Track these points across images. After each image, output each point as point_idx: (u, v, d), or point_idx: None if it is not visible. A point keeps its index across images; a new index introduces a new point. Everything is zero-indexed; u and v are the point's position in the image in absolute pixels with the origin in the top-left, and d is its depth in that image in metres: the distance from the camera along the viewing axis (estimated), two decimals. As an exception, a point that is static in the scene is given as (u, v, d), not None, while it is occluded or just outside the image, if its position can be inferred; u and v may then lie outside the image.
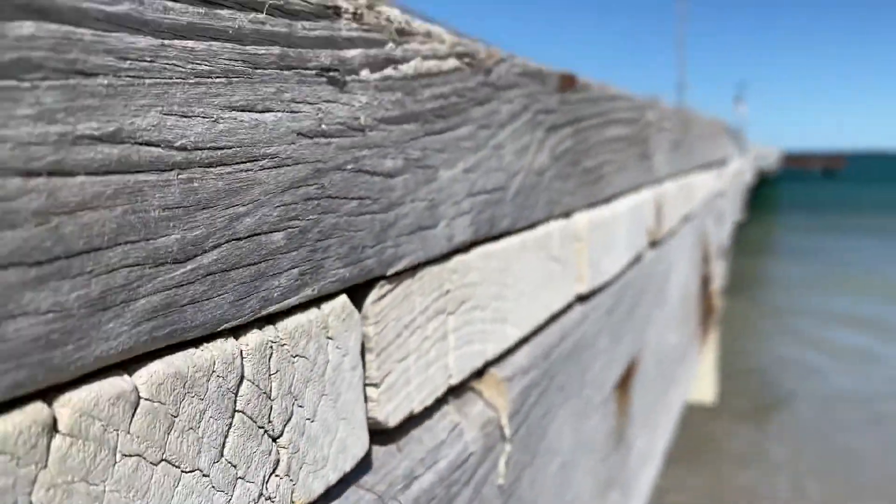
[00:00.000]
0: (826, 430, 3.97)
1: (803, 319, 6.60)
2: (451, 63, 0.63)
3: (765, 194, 17.02)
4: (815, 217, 15.29)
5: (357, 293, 0.52)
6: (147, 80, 0.33)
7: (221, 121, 0.38)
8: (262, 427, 0.41)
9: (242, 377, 0.39)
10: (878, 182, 33.75)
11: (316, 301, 0.46)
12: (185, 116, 0.35)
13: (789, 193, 21.99)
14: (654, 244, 1.49)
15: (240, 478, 0.39)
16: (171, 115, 0.34)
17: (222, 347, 0.38)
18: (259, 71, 0.40)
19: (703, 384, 3.72)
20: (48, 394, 0.29)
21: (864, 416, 4.15)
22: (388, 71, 0.53)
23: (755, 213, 12.60)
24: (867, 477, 3.42)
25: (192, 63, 0.35)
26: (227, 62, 0.38)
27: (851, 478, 3.40)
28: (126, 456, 0.32)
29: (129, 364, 0.33)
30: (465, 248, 0.66)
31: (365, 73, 0.50)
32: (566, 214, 0.95)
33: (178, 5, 0.34)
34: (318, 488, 0.46)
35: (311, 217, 0.44)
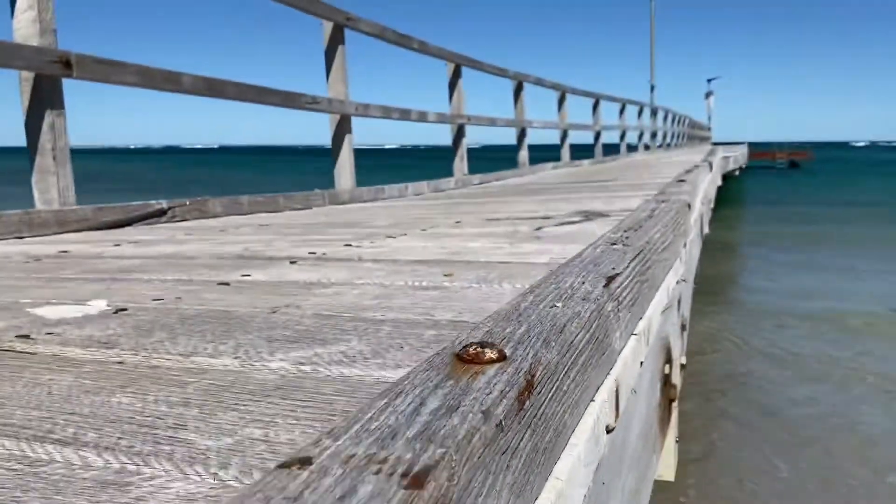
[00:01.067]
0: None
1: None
2: None
3: (729, 190, 16.68)
4: (785, 223, 14.19)
5: None
6: None
7: None
8: None
9: None
10: (847, 175, 33.79)
11: None
12: None
13: (754, 190, 21.89)
14: (610, 430, 1.45)
15: None
16: None
17: None
18: None
19: (663, 462, 3.72)
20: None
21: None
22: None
23: (717, 215, 12.20)
24: None
25: None
26: None
27: None
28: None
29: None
30: None
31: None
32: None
33: None
34: None
35: None
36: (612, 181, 5.81)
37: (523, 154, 9.09)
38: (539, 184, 6.42)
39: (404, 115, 5.81)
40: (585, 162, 11.58)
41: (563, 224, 2.31)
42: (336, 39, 4.81)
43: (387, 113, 5.46)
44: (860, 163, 55.90)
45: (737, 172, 15.19)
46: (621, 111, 14.45)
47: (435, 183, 6.14)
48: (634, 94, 66.90)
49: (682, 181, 2.79)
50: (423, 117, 6.19)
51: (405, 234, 2.18)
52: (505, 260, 1.54)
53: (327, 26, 4.77)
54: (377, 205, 4.36)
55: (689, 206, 1.78)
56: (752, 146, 40.06)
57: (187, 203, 3.36)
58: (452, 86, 6.99)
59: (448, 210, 3.38)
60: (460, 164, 7.04)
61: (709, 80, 35.78)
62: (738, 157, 14.39)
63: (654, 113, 18.18)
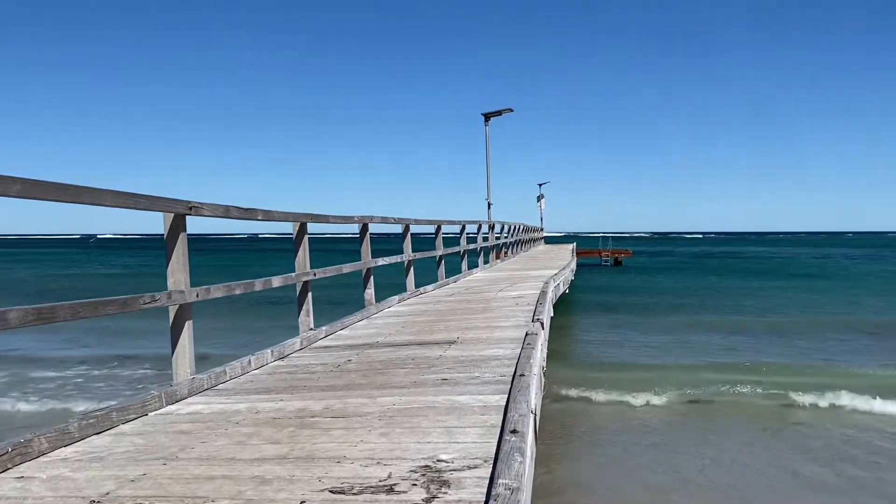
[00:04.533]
0: None
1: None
2: None
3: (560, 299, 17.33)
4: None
5: None
6: None
7: None
8: None
9: None
10: (660, 273, 36.88)
11: None
12: None
13: (582, 299, 23.08)
14: None
15: None
16: None
17: None
18: None
19: None
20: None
21: None
22: None
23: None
24: None
25: None
26: None
27: None
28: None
29: None
30: None
31: None
32: None
33: None
34: None
35: None
36: (451, 346, 5.96)
37: (369, 292, 9.18)
38: (382, 344, 6.47)
39: (248, 286, 5.73)
40: (430, 288, 11.85)
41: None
42: (177, 227, 4.72)
43: (229, 291, 5.37)
44: (678, 257, 60.96)
45: (567, 291, 15.95)
46: (461, 231, 15.00)
47: (280, 348, 6.05)
48: (476, 206, 70.38)
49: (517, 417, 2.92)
50: (267, 284, 6.13)
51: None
52: None
53: (168, 217, 4.67)
54: (215, 409, 4.22)
55: None
56: (581, 241, 42.68)
57: (10, 450, 3.11)
58: (298, 243, 7.01)
59: (280, 448, 3.33)
60: (306, 318, 6.99)
61: (540, 185, 38.00)
62: (567, 276, 15.16)
63: (491, 228, 19.03)
